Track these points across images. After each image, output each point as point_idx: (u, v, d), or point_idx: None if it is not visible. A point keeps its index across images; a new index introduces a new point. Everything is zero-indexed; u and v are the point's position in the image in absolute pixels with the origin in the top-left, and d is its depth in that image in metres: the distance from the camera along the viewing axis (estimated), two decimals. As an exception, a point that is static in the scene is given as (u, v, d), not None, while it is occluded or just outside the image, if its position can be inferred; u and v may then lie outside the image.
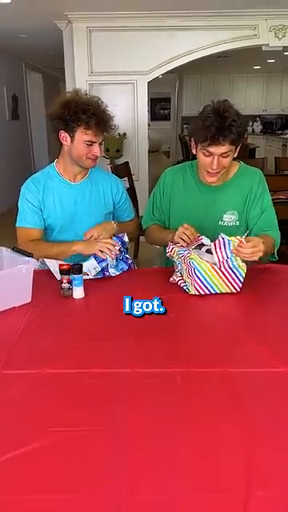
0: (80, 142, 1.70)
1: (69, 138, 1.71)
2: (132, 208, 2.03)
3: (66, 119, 1.67)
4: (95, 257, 1.64)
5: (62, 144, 1.75)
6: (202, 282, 1.50)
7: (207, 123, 1.55)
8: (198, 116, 1.63)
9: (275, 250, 1.76)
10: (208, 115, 1.56)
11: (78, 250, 1.68)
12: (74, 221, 1.83)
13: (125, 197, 1.97)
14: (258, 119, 10.14)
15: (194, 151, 1.70)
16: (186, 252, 1.55)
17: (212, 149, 1.59)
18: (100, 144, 1.74)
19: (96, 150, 1.72)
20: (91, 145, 1.71)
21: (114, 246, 1.65)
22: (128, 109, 4.38)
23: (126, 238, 1.74)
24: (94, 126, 1.67)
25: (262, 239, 1.51)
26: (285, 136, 9.03)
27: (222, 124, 1.54)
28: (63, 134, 1.71)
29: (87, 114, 1.65)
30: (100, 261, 1.64)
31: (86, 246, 1.67)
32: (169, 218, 1.87)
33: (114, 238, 1.71)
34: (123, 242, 1.72)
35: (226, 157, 1.62)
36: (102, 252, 1.64)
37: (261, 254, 1.46)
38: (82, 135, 1.69)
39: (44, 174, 1.82)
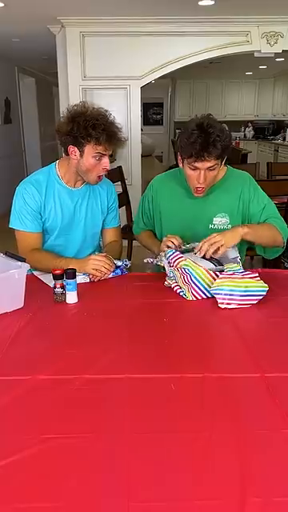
0: (89, 155, 1.67)
1: (78, 153, 1.68)
2: (118, 216, 2.02)
3: (75, 135, 1.64)
4: None
5: (68, 154, 1.73)
6: (198, 287, 1.50)
7: (191, 139, 1.56)
8: (182, 131, 1.64)
9: (283, 237, 1.75)
10: (192, 131, 1.57)
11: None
12: (71, 226, 1.83)
13: (115, 203, 1.97)
14: (249, 125, 10.22)
15: (180, 165, 1.72)
16: (177, 255, 1.55)
17: (198, 164, 1.61)
18: (110, 156, 1.72)
19: (106, 162, 1.70)
20: (100, 157, 1.69)
21: (109, 264, 1.67)
22: (121, 114, 4.38)
23: (128, 263, 1.76)
24: (105, 141, 1.64)
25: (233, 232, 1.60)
26: (276, 141, 9.11)
27: (206, 140, 1.55)
28: (72, 149, 1.68)
29: (97, 129, 1.62)
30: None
31: (80, 266, 1.64)
32: (160, 223, 1.88)
33: (117, 269, 1.72)
34: (125, 266, 1.75)
35: (213, 170, 1.64)
36: (96, 270, 1.65)
37: (218, 242, 1.53)
38: (91, 149, 1.66)
39: (45, 177, 1.79)
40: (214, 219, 1.77)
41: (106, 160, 1.70)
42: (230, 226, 1.77)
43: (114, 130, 1.68)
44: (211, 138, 1.55)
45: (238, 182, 1.79)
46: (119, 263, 1.73)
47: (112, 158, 3.59)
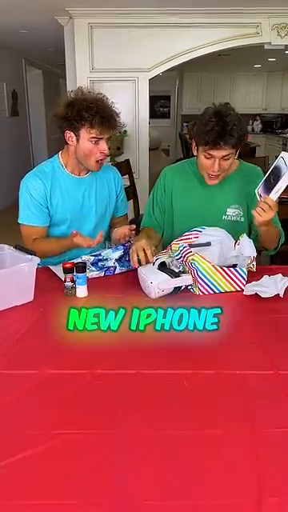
0: (85, 140, 1.67)
1: (74, 138, 1.68)
2: (126, 202, 2.04)
3: (70, 119, 1.64)
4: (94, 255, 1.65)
5: (67, 143, 1.73)
6: (205, 282, 1.49)
7: (208, 127, 1.55)
8: (199, 118, 1.63)
9: (279, 245, 1.80)
10: (210, 119, 1.56)
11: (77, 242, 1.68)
12: (82, 214, 1.82)
13: (123, 190, 1.98)
14: (258, 118, 10.13)
15: (194, 152, 1.71)
16: (187, 249, 1.54)
17: (213, 152, 1.60)
18: (107, 140, 1.71)
19: (103, 146, 1.69)
20: (97, 142, 1.68)
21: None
22: (129, 106, 4.35)
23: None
24: (98, 124, 1.64)
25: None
26: (285, 135, 9.02)
27: (223, 128, 1.54)
28: (69, 134, 1.68)
29: (90, 112, 1.62)
30: (97, 259, 1.64)
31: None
32: (172, 214, 1.86)
33: (119, 246, 1.70)
34: (125, 246, 1.71)
35: (227, 159, 1.63)
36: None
37: (266, 217, 1.49)
38: (86, 134, 1.66)
39: (49, 168, 1.78)
40: (228, 210, 1.77)
41: (103, 143, 1.69)
42: (243, 218, 1.77)
43: (108, 113, 1.67)
44: (228, 127, 1.54)
45: (252, 176, 1.78)
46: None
47: (119, 151, 3.58)
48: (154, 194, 1.91)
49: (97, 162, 1.72)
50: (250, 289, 1.48)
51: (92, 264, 1.63)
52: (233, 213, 1.76)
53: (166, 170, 1.92)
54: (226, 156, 1.60)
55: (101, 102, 1.69)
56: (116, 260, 1.67)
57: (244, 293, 1.48)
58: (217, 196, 1.77)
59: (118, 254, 1.68)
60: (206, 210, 1.77)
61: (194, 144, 1.69)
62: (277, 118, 10.14)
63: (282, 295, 1.45)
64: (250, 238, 1.75)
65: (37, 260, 1.43)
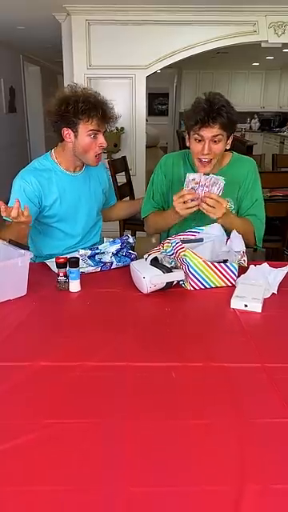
0: (84, 134, 1.67)
1: (72, 135, 1.68)
2: (113, 192, 2.15)
3: (66, 115, 1.64)
4: (90, 248, 1.66)
5: (63, 140, 1.73)
6: (196, 278, 1.50)
7: (198, 109, 1.61)
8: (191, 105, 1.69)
9: (256, 241, 1.83)
10: (199, 102, 1.63)
11: None
12: (77, 210, 1.84)
13: (110, 181, 2.07)
14: (255, 116, 10.15)
15: (187, 143, 1.73)
16: (179, 245, 1.55)
17: (203, 132, 1.63)
18: (104, 134, 1.72)
19: (102, 140, 1.70)
20: (96, 135, 1.69)
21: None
22: (126, 103, 4.37)
23: (130, 239, 1.74)
24: (96, 115, 1.65)
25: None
26: (282, 133, 9.04)
27: (211, 107, 1.60)
28: (66, 132, 1.68)
29: (88, 104, 1.64)
30: (94, 252, 1.66)
31: None
32: (170, 203, 1.84)
33: (117, 239, 1.71)
34: (128, 243, 1.73)
35: (218, 142, 1.65)
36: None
37: (219, 213, 1.56)
38: (85, 127, 1.66)
39: (44, 166, 1.79)
40: None
41: (101, 137, 1.70)
42: (233, 211, 1.79)
43: (104, 105, 1.69)
44: (216, 106, 1.60)
45: (245, 168, 1.81)
46: (130, 240, 1.73)
47: (116, 148, 3.61)
48: (154, 181, 1.91)
49: (96, 156, 1.74)
50: (238, 302, 1.40)
51: (89, 257, 1.64)
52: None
53: (166, 156, 1.93)
54: (215, 137, 1.63)
55: (95, 96, 1.70)
56: (113, 254, 1.69)
57: (232, 306, 1.40)
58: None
59: (116, 247, 1.69)
60: None
61: (187, 135, 1.72)
62: (274, 116, 10.16)
63: (276, 291, 1.47)
64: None
65: (30, 254, 1.44)
